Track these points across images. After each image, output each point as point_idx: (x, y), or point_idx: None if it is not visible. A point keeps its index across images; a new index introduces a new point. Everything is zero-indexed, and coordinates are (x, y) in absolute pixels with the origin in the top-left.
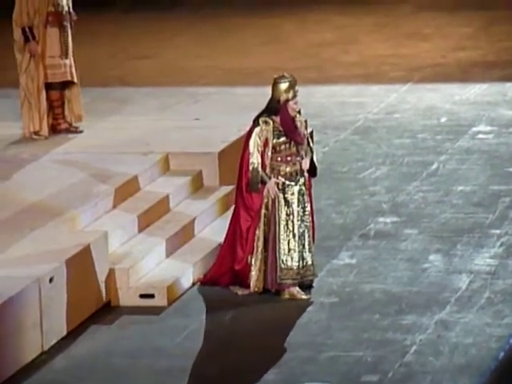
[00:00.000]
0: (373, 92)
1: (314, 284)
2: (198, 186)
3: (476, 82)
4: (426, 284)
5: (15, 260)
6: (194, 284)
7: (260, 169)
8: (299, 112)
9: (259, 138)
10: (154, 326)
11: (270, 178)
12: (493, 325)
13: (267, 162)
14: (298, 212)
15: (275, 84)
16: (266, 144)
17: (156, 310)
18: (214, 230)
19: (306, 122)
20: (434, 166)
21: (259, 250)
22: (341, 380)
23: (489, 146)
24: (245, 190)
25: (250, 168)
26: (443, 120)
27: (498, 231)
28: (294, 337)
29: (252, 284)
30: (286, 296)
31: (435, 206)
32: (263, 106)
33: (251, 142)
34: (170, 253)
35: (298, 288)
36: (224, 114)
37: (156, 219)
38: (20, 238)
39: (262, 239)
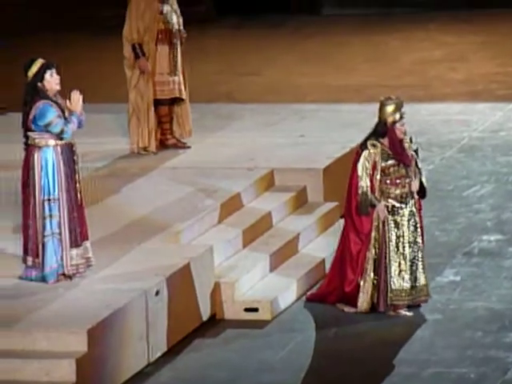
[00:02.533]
0: (479, 110)
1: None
2: (302, 201)
3: None
4: None
5: (123, 272)
6: (298, 299)
7: (369, 192)
8: (405, 133)
9: (368, 161)
10: (258, 340)
11: (379, 202)
12: None
13: (376, 185)
14: (409, 234)
15: (382, 106)
16: (374, 167)
17: (260, 324)
18: (317, 246)
19: (411, 139)
20: None
21: (368, 272)
22: None
23: None
24: (354, 214)
25: (359, 192)
26: None
27: None
28: (398, 353)
29: (359, 304)
30: (391, 312)
31: None
32: (367, 122)
33: (360, 166)
34: (273, 268)
35: (405, 308)
36: (329, 130)
37: (260, 234)
38: (128, 251)
39: (371, 262)
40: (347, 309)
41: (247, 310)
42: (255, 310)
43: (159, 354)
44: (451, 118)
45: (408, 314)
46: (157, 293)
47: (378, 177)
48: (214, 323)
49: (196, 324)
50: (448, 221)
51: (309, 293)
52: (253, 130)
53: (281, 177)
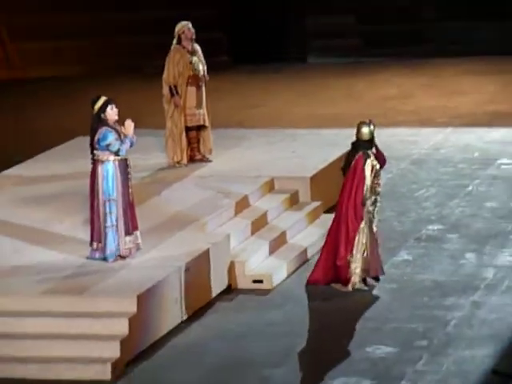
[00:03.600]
0: (424, 133)
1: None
2: (294, 201)
3: (500, 126)
4: (463, 275)
5: (163, 254)
6: (288, 276)
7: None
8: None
9: (371, 165)
10: (264, 303)
11: (369, 198)
12: (511, 305)
13: (370, 183)
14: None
15: (359, 127)
16: (372, 170)
17: (264, 292)
18: (305, 235)
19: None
20: (470, 188)
21: (359, 251)
22: (399, 344)
23: (509, 174)
24: (359, 203)
25: (365, 188)
26: (476, 154)
27: None
28: (365, 312)
29: (352, 279)
30: (363, 286)
31: (470, 217)
32: (342, 142)
33: (367, 168)
34: (271, 251)
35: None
36: (314, 148)
37: (263, 226)
38: (167, 238)
39: (361, 244)
40: (339, 287)
41: (255, 281)
42: (260, 281)
43: (190, 313)
44: (404, 139)
45: (374, 283)
46: (187, 269)
47: (372, 178)
48: (230, 291)
49: (217, 292)
50: (402, 215)
51: (308, 277)
52: (258, 148)
53: (279, 183)
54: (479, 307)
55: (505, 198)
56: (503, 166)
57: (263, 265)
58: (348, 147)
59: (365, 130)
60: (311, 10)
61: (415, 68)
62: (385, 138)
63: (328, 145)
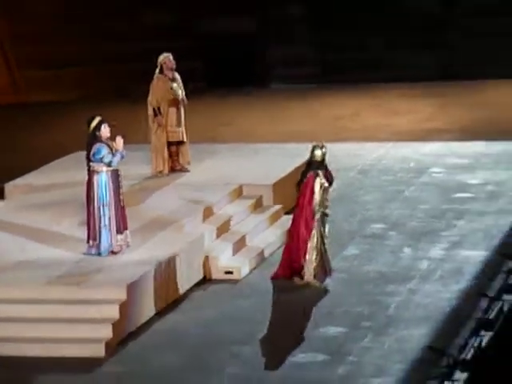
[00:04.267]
0: (368, 147)
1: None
2: (258, 205)
3: (434, 141)
4: (401, 266)
5: (148, 250)
6: (251, 271)
7: (318, 204)
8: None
9: (320, 183)
10: (233, 291)
11: (319, 211)
12: (442, 291)
13: (319, 198)
14: (326, 229)
15: (313, 150)
16: (320, 187)
17: (234, 281)
18: (267, 234)
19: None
20: (406, 193)
21: (311, 255)
22: (348, 325)
23: (440, 181)
24: (309, 216)
25: (314, 202)
26: (412, 164)
27: (445, 233)
28: (319, 299)
29: (306, 277)
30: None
31: (407, 217)
32: (300, 155)
33: (316, 186)
34: (237, 249)
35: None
36: (276, 160)
37: (232, 226)
38: (152, 237)
39: (313, 249)
40: (298, 281)
41: (226, 272)
42: (231, 272)
43: (171, 300)
44: (351, 152)
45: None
46: (169, 262)
47: (321, 193)
48: (205, 281)
49: (194, 282)
50: (350, 216)
51: (273, 273)
52: (228, 160)
53: (246, 189)
54: (415, 293)
55: (436, 201)
56: (434, 174)
57: (231, 260)
58: (304, 159)
59: (317, 152)
60: (274, 42)
61: (364, 91)
62: (335, 151)
63: (288, 157)
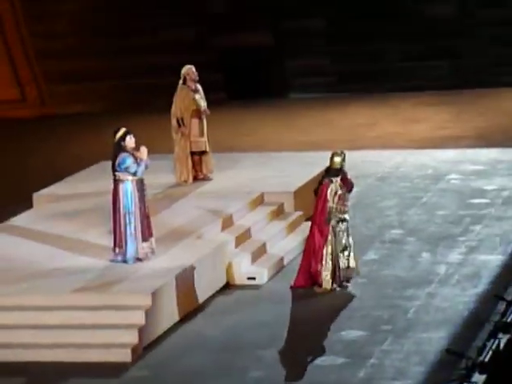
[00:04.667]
0: (387, 155)
1: None
2: (280, 212)
3: (450, 148)
4: (419, 270)
5: (173, 257)
6: (271, 277)
7: (333, 210)
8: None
9: (333, 190)
10: (256, 296)
11: (335, 217)
12: (460, 295)
13: (334, 205)
14: (346, 236)
15: (332, 157)
16: (335, 194)
17: (256, 287)
18: (288, 240)
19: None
20: (424, 199)
21: (327, 260)
22: (369, 328)
23: (457, 187)
24: (323, 223)
25: (328, 210)
26: (430, 171)
27: (463, 238)
28: (339, 303)
29: (324, 284)
30: (337, 287)
31: (425, 223)
32: (319, 163)
33: (329, 193)
34: (259, 255)
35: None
36: (296, 168)
37: (253, 233)
38: (176, 244)
39: (329, 254)
40: (317, 289)
41: (249, 278)
42: (254, 278)
43: (193, 306)
44: (370, 160)
45: (348, 284)
46: (194, 268)
47: (336, 200)
48: (229, 287)
49: (216, 288)
50: (369, 221)
51: (292, 282)
52: (249, 168)
53: (267, 196)
54: (434, 297)
55: (453, 207)
56: (452, 181)
57: (251, 268)
58: (323, 167)
59: (337, 159)
60: (292, 53)
61: (380, 100)
62: (354, 159)
63: (307, 165)
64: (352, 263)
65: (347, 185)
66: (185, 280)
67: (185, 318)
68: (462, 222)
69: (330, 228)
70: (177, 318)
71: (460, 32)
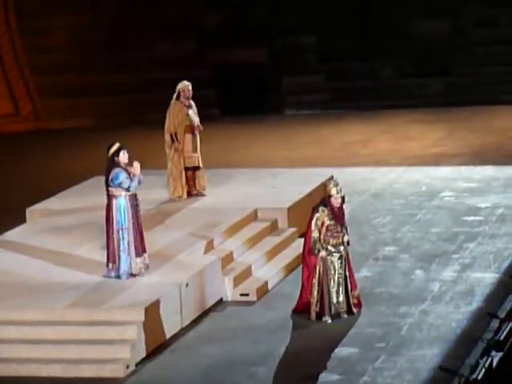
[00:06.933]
0: (381, 171)
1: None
2: (274, 228)
3: (444, 165)
4: (413, 288)
5: (166, 273)
6: (259, 297)
7: (318, 241)
8: (343, 198)
9: (318, 220)
10: (249, 312)
11: (323, 248)
12: (454, 313)
13: (322, 236)
14: (339, 269)
15: (325, 186)
16: (322, 224)
17: (250, 303)
18: (282, 256)
19: (343, 198)
20: (418, 216)
21: (314, 293)
22: (362, 346)
23: (451, 204)
24: (307, 253)
25: (312, 240)
26: (423, 188)
27: (456, 256)
28: (333, 320)
29: (311, 314)
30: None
31: (419, 240)
32: (312, 179)
33: (313, 223)
34: (257, 268)
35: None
36: (290, 185)
37: (247, 248)
38: (169, 260)
39: (316, 286)
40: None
41: (242, 294)
42: (247, 295)
43: (188, 321)
44: (364, 177)
45: (344, 316)
46: (186, 285)
47: (324, 230)
48: (222, 303)
49: (211, 303)
50: (363, 238)
51: (293, 308)
52: (243, 184)
53: (261, 212)
54: (427, 314)
55: (447, 224)
56: (446, 198)
57: (245, 283)
58: (317, 183)
59: (328, 187)
60: (286, 70)
61: (374, 118)
62: (348, 176)
63: (301, 181)
64: (341, 297)
65: (336, 217)
66: (178, 295)
67: (178, 334)
68: (455, 239)
69: (319, 259)
70: (170, 333)
71: (454, 50)
